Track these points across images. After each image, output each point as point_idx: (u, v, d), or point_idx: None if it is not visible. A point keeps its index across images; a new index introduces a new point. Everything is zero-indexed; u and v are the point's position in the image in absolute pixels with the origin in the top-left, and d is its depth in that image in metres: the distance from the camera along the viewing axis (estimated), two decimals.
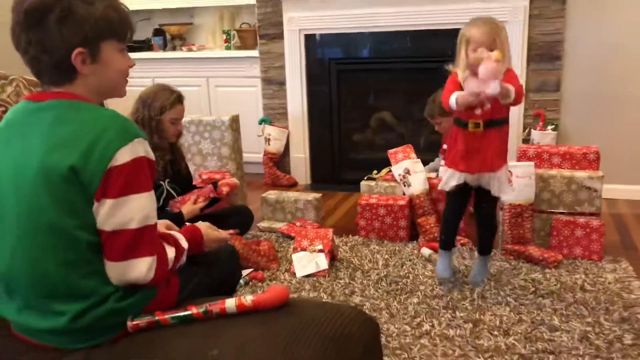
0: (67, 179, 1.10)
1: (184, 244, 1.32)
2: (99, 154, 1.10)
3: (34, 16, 1.14)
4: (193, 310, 1.17)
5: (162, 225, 1.47)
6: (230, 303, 1.17)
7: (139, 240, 1.14)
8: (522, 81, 3.36)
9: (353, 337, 1.09)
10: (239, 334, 1.08)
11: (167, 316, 1.17)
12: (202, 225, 1.49)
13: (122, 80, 1.28)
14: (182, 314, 1.17)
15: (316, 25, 3.82)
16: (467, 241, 2.76)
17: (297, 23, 3.85)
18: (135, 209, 1.13)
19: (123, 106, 2.52)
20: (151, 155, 1.20)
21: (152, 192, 1.19)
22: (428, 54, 3.65)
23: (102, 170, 1.10)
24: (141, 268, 1.14)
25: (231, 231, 1.66)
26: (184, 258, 1.32)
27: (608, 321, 2.03)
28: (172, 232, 1.35)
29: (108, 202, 1.11)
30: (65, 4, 1.16)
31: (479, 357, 1.83)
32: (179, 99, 2.49)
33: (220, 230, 2.35)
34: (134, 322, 1.16)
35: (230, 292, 1.70)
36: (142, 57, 4.43)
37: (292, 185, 4.02)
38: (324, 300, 2.26)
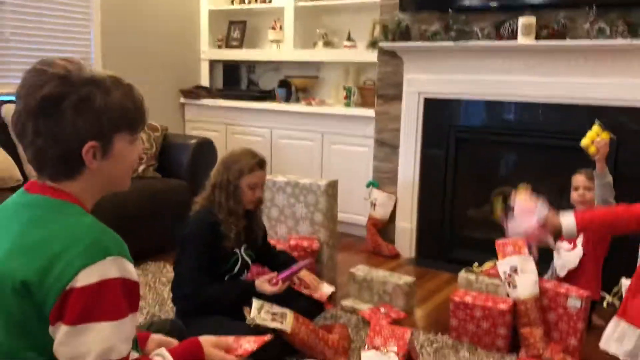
0: (19, 293, 0.97)
1: None
2: (59, 272, 0.96)
3: (49, 104, 1.04)
4: None
5: (154, 341, 1.28)
6: None
7: None
8: None
9: None
10: None
11: None
12: (206, 342, 1.25)
13: (129, 174, 1.15)
14: None
15: (437, 89, 3.54)
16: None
17: (416, 85, 3.61)
18: (93, 341, 0.96)
19: None
20: (130, 275, 1.03)
21: (126, 319, 1.01)
22: (560, 129, 3.20)
23: (58, 290, 0.95)
24: None
25: (244, 351, 1.36)
26: None
27: None
28: (156, 355, 1.15)
29: (63, 329, 0.96)
30: (84, 92, 1.05)
31: None
32: (259, 164, 2.36)
33: (283, 310, 2.18)
34: None
35: None
36: (263, 107, 4.47)
37: (394, 257, 3.72)
38: None
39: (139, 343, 1.21)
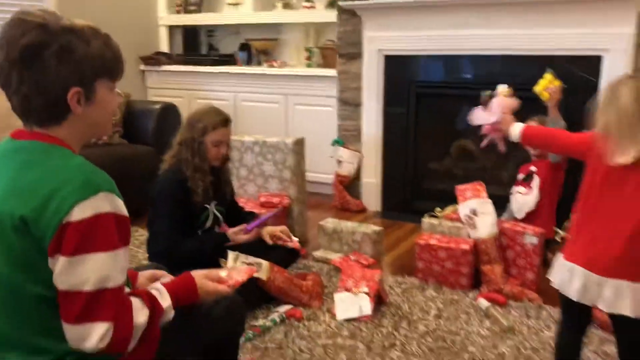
0: (18, 229, 1.03)
1: (165, 302, 1.20)
2: (54, 207, 1.02)
3: (31, 53, 1.08)
4: None
5: (145, 276, 1.37)
6: None
7: (94, 304, 1.04)
8: None
9: None
10: None
11: None
12: (198, 275, 1.34)
13: (110, 120, 1.22)
14: None
15: (396, 46, 3.63)
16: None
17: (376, 42, 3.69)
18: (91, 270, 1.03)
19: None
20: (121, 211, 1.10)
21: (120, 251, 1.09)
22: (518, 81, 3.33)
23: (55, 225, 1.02)
24: (93, 335, 1.03)
25: (235, 282, 1.45)
26: (166, 317, 1.20)
27: None
28: (151, 288, 1.24)
29: (61, 260, 1.03)
30: (64, 41, 1.10)
31: None
32: (223, 121, 2.41)
33: (258, 261, 2.28)
34: None
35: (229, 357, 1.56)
36: (225, 71, 4.49)
37: (361, 211, 3.85)
38: (359, 349, 2.08)
39: (129, 280, 1.29)
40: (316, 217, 3.49)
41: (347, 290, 2.39)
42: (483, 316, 2.33)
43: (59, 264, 1.03)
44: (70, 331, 1.04)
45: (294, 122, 4.22)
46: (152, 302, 1.16)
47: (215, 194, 2.46)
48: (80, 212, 1.03)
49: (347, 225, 3.00)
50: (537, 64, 3.18)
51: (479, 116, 2.13)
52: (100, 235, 1.05)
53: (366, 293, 2.34)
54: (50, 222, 1.02)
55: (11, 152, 1.13)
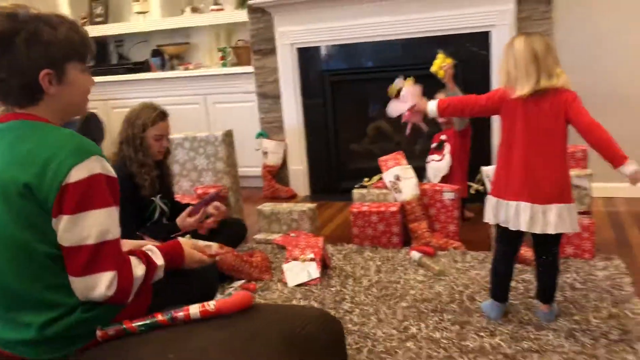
0: (23, 195, 1.15)
1: (159, 261, 1.35)
2: (53, 172, 1.15)
3: (3, 40, 1.20)
4: (159, 317, 1.20)
5: (128, 244, 1.50)
6: (194, 309, 1.20)
7: (98, 256, 1.17)
8: None
9: (312, 335, 1.11)
10: (201, 338, 1.11)
11: (135, 324, 1.20)
12: (186, 244, 1.51)
13: (84, 100, 1.34)
14: (148, 321, 1.20)
15: (307, 38, 3.87)
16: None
17: (288, 37, 3.91)
18: (91, 225, 1.17)
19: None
20: (110, 172, 1.24)
21: (113, 208, 1.23)
22: (421, 61, 3.68)
23: (56, 188, 1.15)
24: (101, 284, 1.17)
25: (216, 252, 1.66)
26: (159, 274, 1.35)
27: (596, 318, 2.02)
28: (145, 249, 1.38)
29: (64, 219, 1.16)
30: (31, 27, 1.22)
31: (463, 358, 1.83)
32: (161, 115, 2.53)
33: (207, 243, 2.43)
34: (103, 331, 1.20)
35: None
36: (141, 77, 4.54)
37: (292, 198, 4.06)
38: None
39: None
40: (250, 207, 3.65)
41: (295, 259, 2.59)
42: (417, 266, 2.61)
43: (62, 223, 1.16)
44: (78, 283, 1.17)
45: (215, 121, 4.36)
46: (147, 259, 1.31)
47: (160, 187, 2.58)
48: (77, 173, 1.16)
49: (284, 206, 3.19)
50: (435, 45, 3.54)
51: (396, 108, 2.31)
52: (96, 193, 1.18)
53: (312, 259, 2.55)
54: (52, 185, 1.14)
55: (1, 132, 1.24)
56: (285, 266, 2.58)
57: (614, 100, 3.35)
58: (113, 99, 4.62)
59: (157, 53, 4.76)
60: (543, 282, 2.05)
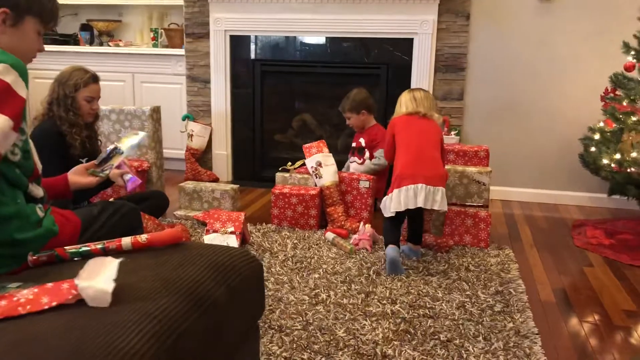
0: None
1: None
2: None
3: None
4: (91, 247, 1.28)
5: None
6: (126, 240, 1.29)
7: None
8: (430, 89, 3.67)
9: (235, 267, 1.24)
10: (133, 262, 1.21)
11: (67, 251, 1.28)
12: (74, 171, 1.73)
13: (27, 58, 1.41)
14: (81, 249, 1.28)
15: (241, 27, 3.98)
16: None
17: (223, 24, 4.00)
18: None
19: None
20: (13, 85, 1.25)
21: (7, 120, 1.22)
22: (346, 60, 3.90)
23: None
24: None
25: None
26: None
27: (484, 294, 2.27)
28: None
29: None
30: None
31: (367, 320, 2.02)
32: (93, 78, 2.57)
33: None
34: (34, 257, 1.26)
35: None
36: (68, 50, 4.45)
37: (214, 181, 4.12)
38: None
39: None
40: (171, 188, 3.70)
41: (215, 231, 2.69)
42: (330, 245, 2.79)
43: None
44: None
45: (142, 100, 4.35)
46: None
47: (91, 149, 2.60)
48: None
49: (206, 184, 3.28)
50: (361, 46, 3.77)
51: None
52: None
53: (232, 232, 2.66)
54: None
55: None
56: (205, 237, 2.67)
57: (521, 110, 3.71)
58: (36, 69, 4.49)
59: (86, 27, 4.68)
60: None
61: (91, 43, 4.63)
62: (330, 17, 3.81)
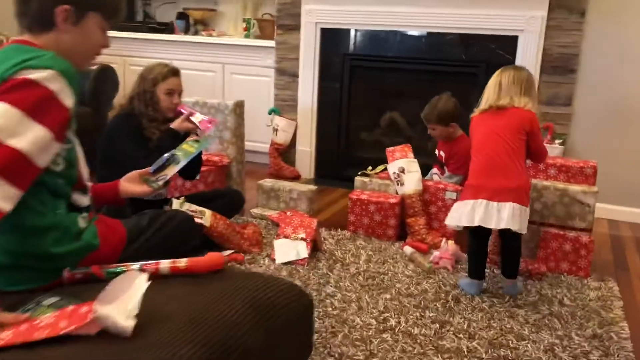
0: None
1: None
2: (7, 66, 1.16)
3: None
4: (128, 268, 1.18)
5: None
6: (164, 265, 1.18)
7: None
8: None
9: (277, 306, 1.09)
10: (164, 288, 1.09)
11: (103, 270, 1.19)
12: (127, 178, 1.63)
13: (91, 55, 1.34)
14: (117, 269, 1.19)
15: (333, 20, 3.82)
16: None
17: (314, 16, 3.86)
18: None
19: None
20: (57, 92, 1.19)
21: (37, 124, 1.15)
22: (443, 57, 3.63)
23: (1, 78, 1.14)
24: None
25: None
26: None
27: (579, 336, 1.98)
28: None
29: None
30: None
31: (438, 357, 1.80)
32: (172, 71, 2.54)
33: (201, 209, 2.42)
34: (70, 273, 1.18)
35: None
36: (163, 38, 4.51)
37: (295, 178, 4.02)
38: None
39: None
40: (252, 182, 3.63)
41: (286, 237, 2.56)
42: (408, 261, 2.58)
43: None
44: None
45: (230, 91, 4.33)
46: None
47: (170, 144, 2.55)
48: (26, 72, 1.15)
49: (285, 184, 3.17)
50: (459, 42, 3.49)
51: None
52: (40, 106, 1.15)
53: (303, 239, 2.53)
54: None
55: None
56: (276, 242, 2.56)
57: (631, 118, 3.27)
58: (132, 56, 4.60)
59: (182, 16, 4.72)
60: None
61: (186, 32, 4.67)
62: (428, 11, 3.56)
